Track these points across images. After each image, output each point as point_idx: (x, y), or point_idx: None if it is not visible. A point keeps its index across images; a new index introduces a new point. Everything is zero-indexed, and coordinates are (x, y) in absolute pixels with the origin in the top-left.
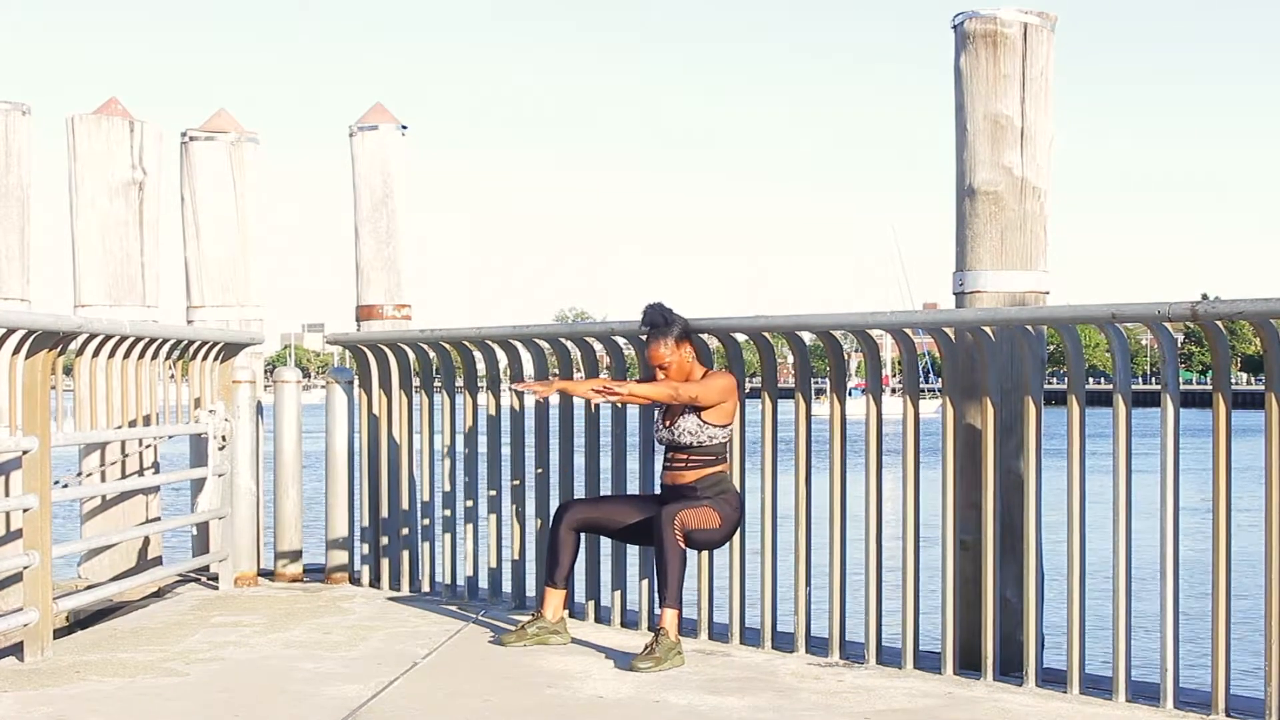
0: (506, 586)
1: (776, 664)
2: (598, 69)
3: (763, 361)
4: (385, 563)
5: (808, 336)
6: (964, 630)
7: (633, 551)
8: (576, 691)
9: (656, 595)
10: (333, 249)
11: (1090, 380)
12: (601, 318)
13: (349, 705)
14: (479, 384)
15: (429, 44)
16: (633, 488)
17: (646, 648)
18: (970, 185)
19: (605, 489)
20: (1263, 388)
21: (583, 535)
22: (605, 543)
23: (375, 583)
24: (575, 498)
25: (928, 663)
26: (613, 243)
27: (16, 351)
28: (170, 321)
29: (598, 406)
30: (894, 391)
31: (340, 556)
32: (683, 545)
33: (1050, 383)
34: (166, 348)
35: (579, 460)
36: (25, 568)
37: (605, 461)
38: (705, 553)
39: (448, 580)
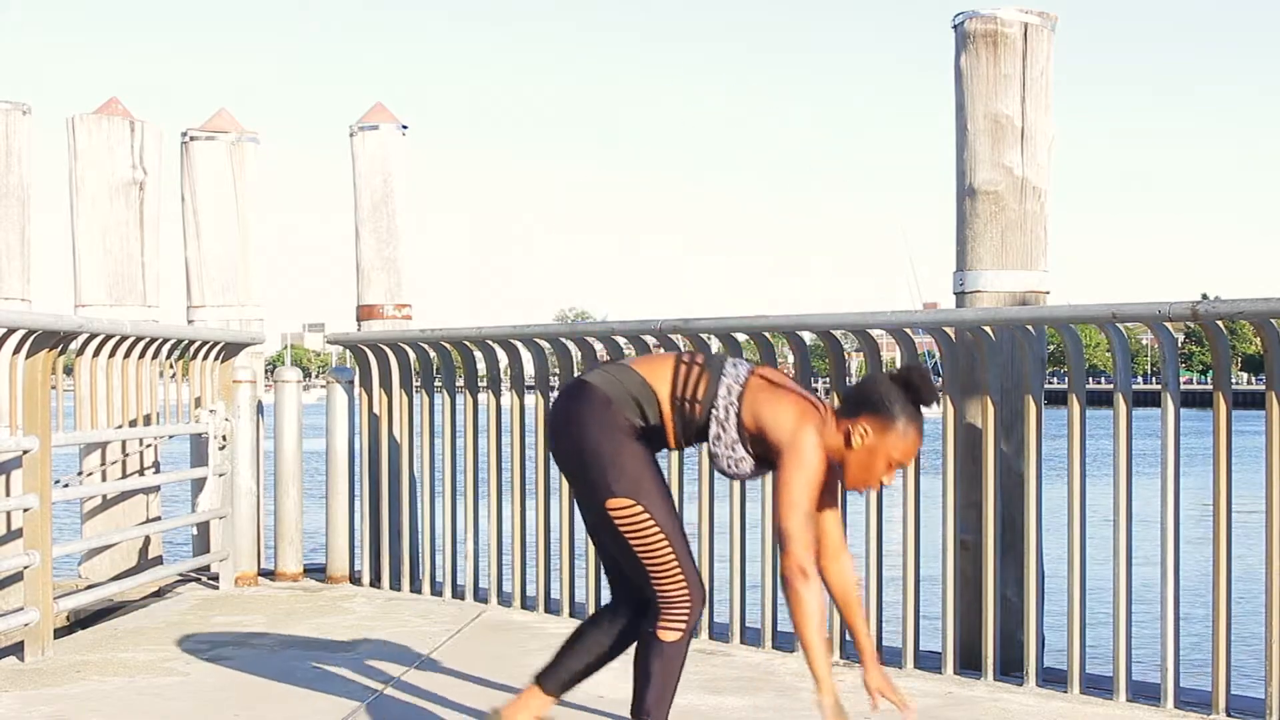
0: (507, 586)
1: (777, 664)
2: (598, 69)
3: (763, 361)
4: (385, 563)
5: (808, 336)
6: (964, 630)
7: None
8: (576, 690)
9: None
10: (333, 249)
11: (1090, 380)
12: (601, 318)
13: (349, 705)
14: (479, 384)
15: (429, 44)
16: None
17: None
18: (970, 185)
19: None
20: (1263, 387)
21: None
22: None
23: (375, 583)
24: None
25: (928, 663)
26: (614, 242)
27: (16, 351)
28: (171, 321)
29: None
30: None
31: (340, 556)
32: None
33: (1051, 382)
34: (167, 348)
35: None
36: (26, 567)
37: None
38: (706, 553)
39: (448, 580)
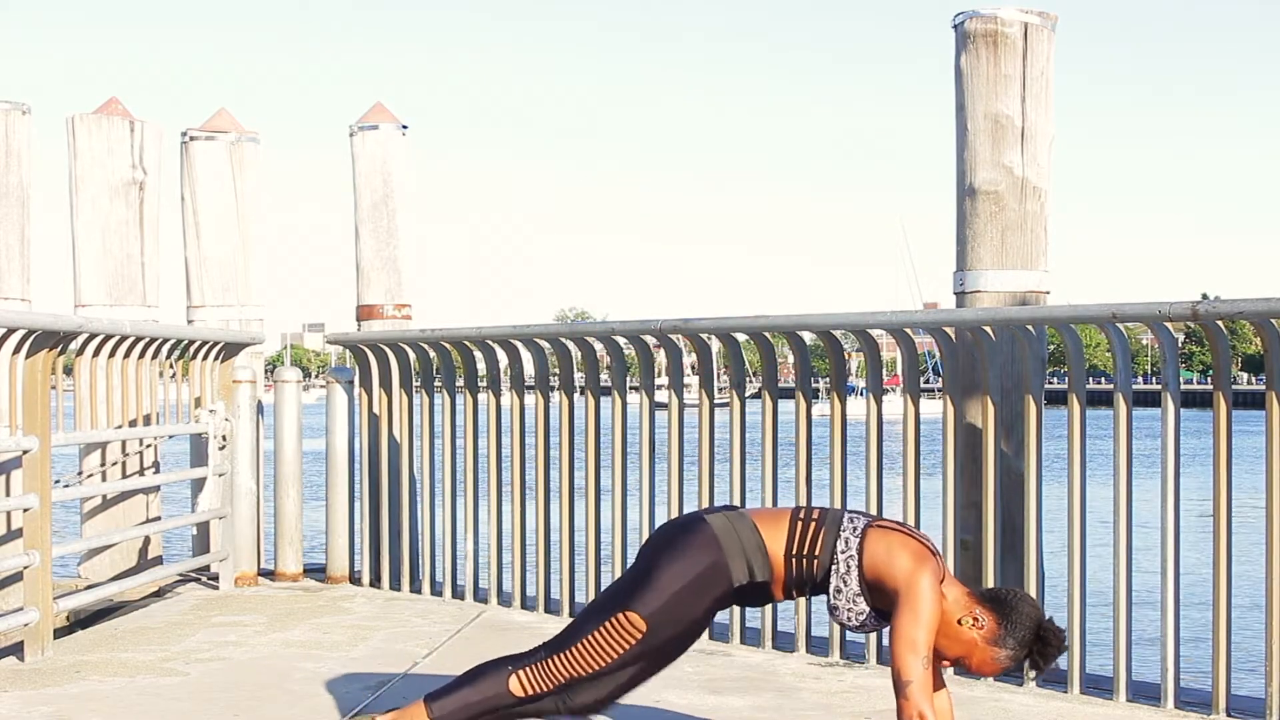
0: (507, 586)
1: (777, 664)
2: (598, 69)
3: (763, 361)
4: (385, 563)
5: (808, 336)
6: None
7: (633, 551)
8: None
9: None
10: (333, 249)
11: (1090, 380)
12: (601, 318)
13: (349, 705)
14: (479, 384)
15: (429, 44)
16: (633, 498)
17: None
18: (971, 185)
19: (606, 497)
20: (1263, 387)
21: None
22: (609, 544)
23: (375, 583)
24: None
25: None
26: (613, 243)
27: (16, 351)
28: (170, 321)
29: (598, 409)
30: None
31: (340, 556)
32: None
33: (1051, 382)
34: (167, 348)
35: (579, 458)
36: (25, 567)
37: (605, 465)
38: None
39: (448, 580)
